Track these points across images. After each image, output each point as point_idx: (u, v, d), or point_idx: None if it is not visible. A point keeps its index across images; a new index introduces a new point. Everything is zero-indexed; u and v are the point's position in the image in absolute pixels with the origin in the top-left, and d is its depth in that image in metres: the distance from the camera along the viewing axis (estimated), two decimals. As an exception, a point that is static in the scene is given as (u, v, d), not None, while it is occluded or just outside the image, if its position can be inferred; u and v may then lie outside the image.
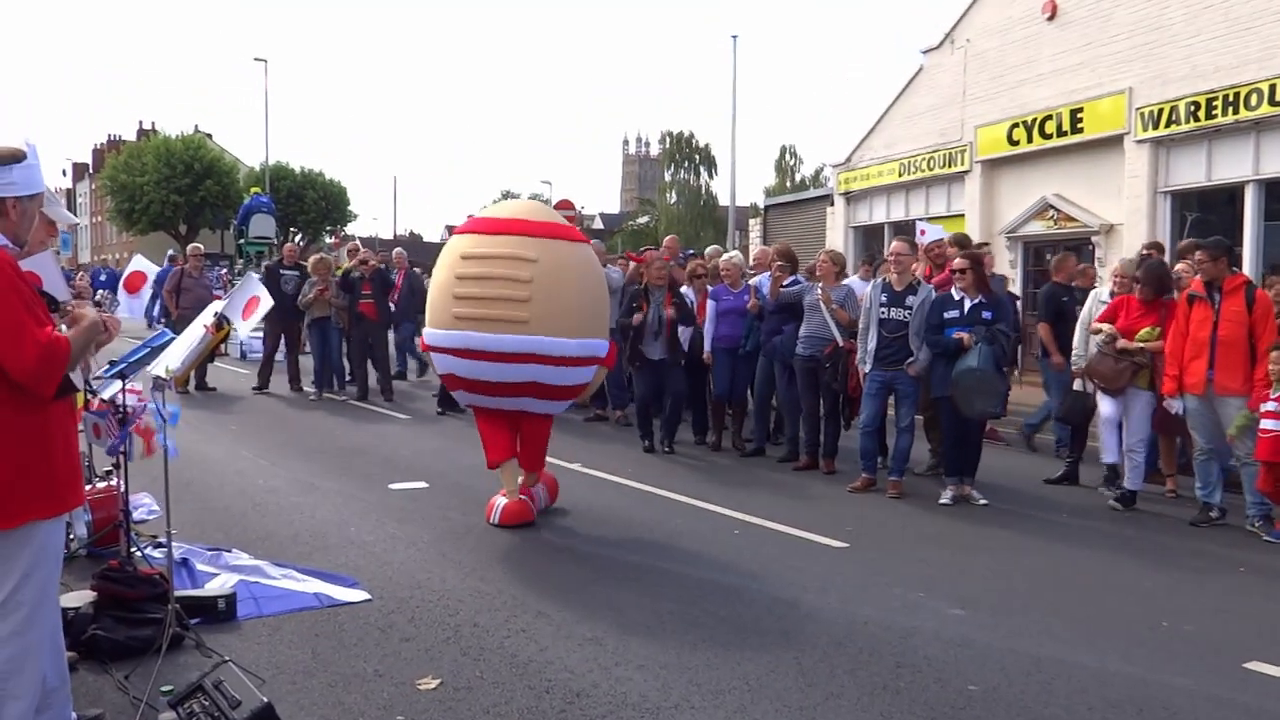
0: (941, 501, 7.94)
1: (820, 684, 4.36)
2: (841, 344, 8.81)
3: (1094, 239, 16.61)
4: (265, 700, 3.40)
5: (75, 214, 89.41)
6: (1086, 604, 5.62)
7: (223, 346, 17.44)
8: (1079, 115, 16.51)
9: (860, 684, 4.37)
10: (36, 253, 4.07)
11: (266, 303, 4.43)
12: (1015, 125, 17.84)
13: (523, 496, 7.10)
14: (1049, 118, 17.10)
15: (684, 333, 10.08)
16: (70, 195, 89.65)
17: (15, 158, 3.32)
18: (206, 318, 4.36)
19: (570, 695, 4.19)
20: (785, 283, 9.53)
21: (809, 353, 9.08)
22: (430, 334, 7.01)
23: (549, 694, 4.20)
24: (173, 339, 4.73)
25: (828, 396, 9.09)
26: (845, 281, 9.47)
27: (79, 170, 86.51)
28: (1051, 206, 17.42)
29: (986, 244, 10.77)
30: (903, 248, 8.44)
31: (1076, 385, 8.84)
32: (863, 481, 8.36)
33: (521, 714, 4.02)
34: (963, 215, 19.19)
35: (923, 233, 9.58)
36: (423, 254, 27.55)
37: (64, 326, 3.69)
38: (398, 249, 16.76)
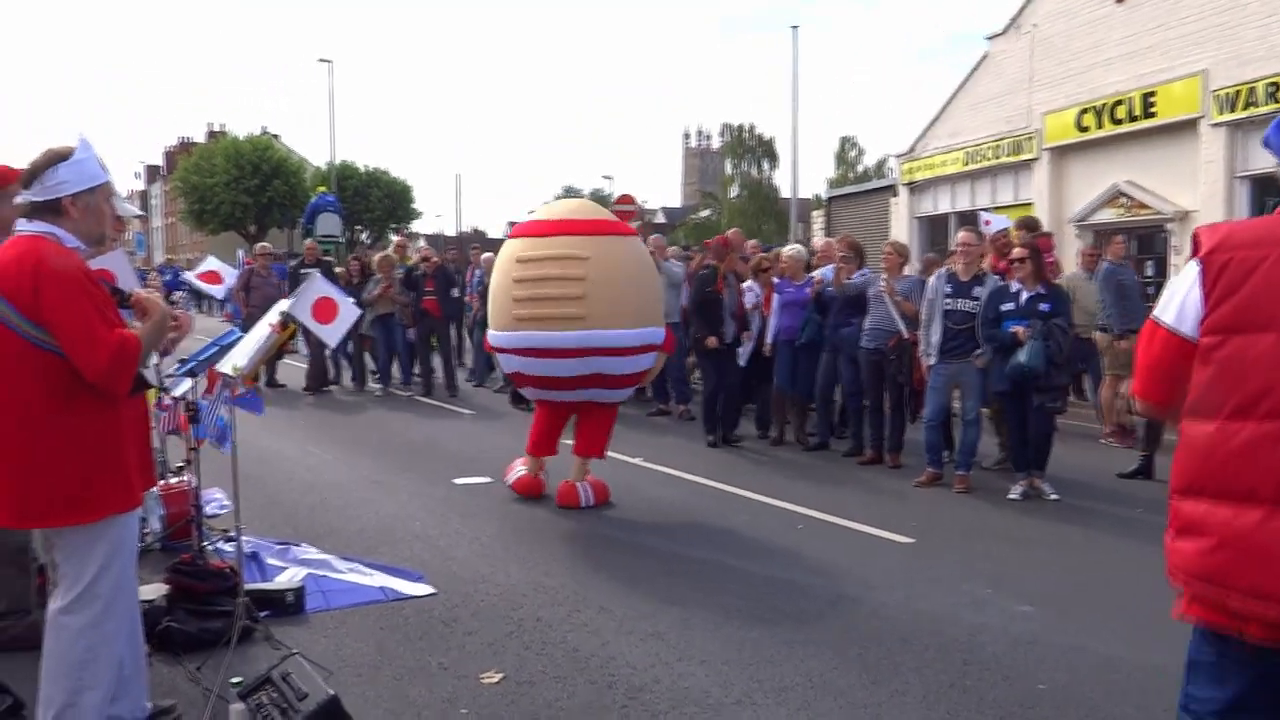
0: (1010, 496, 7.80)
1: (885, 681, 4.31)
2: (906, 336, 8.70)
3: (1168, 227, 16.19)
4: (331, 693, 3.45)
5: (149, 215, 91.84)
6: (1161, 602, 5.45)
7: (292, 343, 17.69)
8: (1151, 99, 16.10)
9: (926, 682, 4.31)
10: (107, 250, 4.18)
11: (349, 309, 4.45)
12: (1084, 111, 17.46)
13: (540, 476, 7.58)
14: (1119, 102, 16.69)
15: (743, 351, 10.05)
16: (144, 197, 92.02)
17: (62, 156, 3.39)
18: (272, 317, 4.43)
19: (632, 690, 4.20)
20: (851, 275, 9.43)
21: (873, 345, 8.99)
22: (494, 335, 7.35)
23: (610, 689, 4.21)
24: (241, 338, 4.83)
25: (892, 389, 8.99)
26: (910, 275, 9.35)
27: (152, 172, 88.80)
28: (1123, 194, 17.01)
29: (1051, 233, 10.53)
30: (970, 238, 8.30)
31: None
32: (928, 476, 8.24)
33: (583, 708, 4.03)
34: (1030, 204, 18.82)
35: (987, 223, 9.39)
36: (486, 250, 27.64)
37: (135, 323, 3.78)
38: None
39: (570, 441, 7.69)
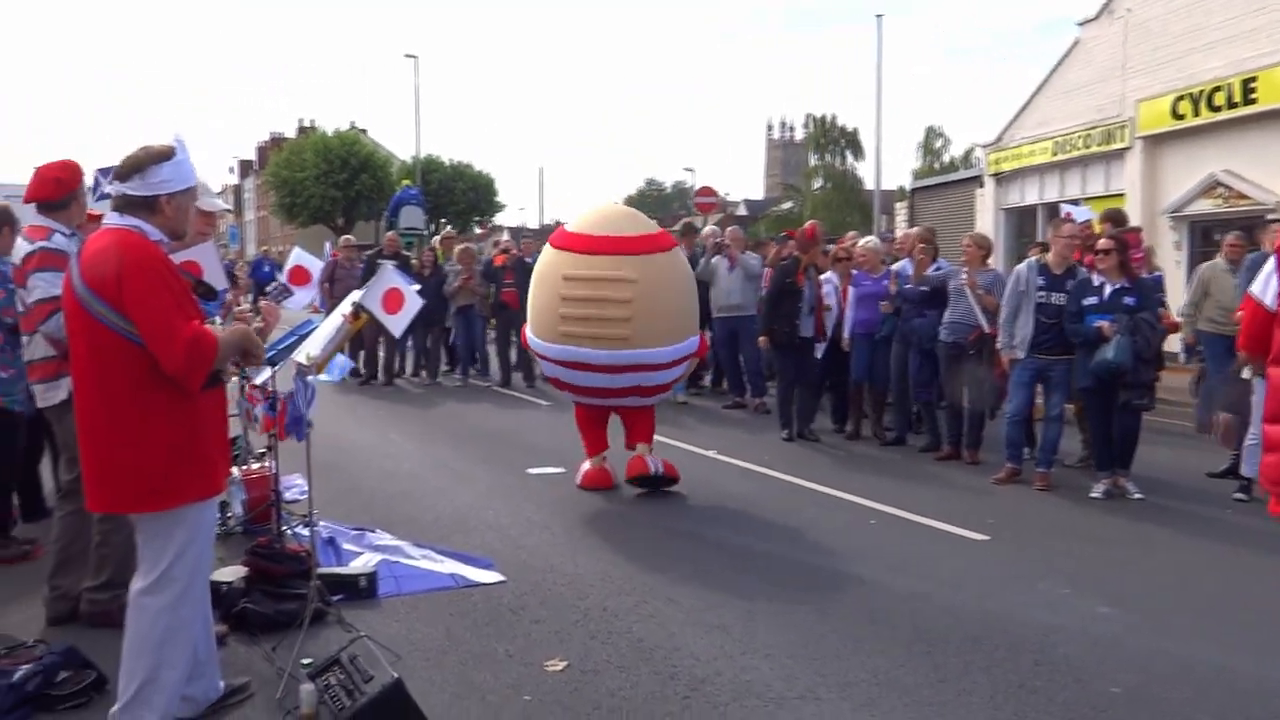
0: (1092, 495, 7.61)
1: (952, 680, 4.25)
2: (987, 330, 8.53)
3: (1269, 217, 15.58)
4: (395, 676, 3.52)
5: (242, 209, 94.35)
6: (1248, 606, 5.30)
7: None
8: (1251, 85, 15.50)
9: (995, 681, 4.24)
10: (196, 244, 4.32)
11: (414, 300, 4.54)
12: (1180, 98, 16.88)
13: (605, 466, 7.77)
14: (1218, 89, 16.10)
15: (820, 346, 9.97)
16: (237, 191, 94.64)
17: (165, 155, 3.51)
18: (345, 307, 4.53)
19: (694, 682, 4.20)
20: (929, 268, 9.29)
21: (953, 339, 8.82)
22: (536, 342, 7.51)
23: (673, 680, 4.23)
24: (316, 327, 4.95)
25: (971, 384, 8.82)
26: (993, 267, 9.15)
27: (245, 167, 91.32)
28: (1220, 184, 16.42)
29: (1140, 227, 10.18)
30: (1075, 228, 8.09)
31: (1245, 373, 8.32)
32: (1007, 472, 8.07)
33: (645, 699, 4.05)
34: (1122, 195, 18.29)
35: (1068, 216, 9.13)
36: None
37: (218, 320, 3.91)
38: None
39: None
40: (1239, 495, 7.58)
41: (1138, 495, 7.54)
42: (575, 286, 7.05)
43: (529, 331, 7.66)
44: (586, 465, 7.84)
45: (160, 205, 3.50)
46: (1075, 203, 14.16)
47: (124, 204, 3.49)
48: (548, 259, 7.46)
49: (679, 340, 7.25)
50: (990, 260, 9.22)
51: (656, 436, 8.13)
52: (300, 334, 5.08)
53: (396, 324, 4.59)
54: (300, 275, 15.30)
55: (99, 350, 3.37)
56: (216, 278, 4.04)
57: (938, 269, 9.30)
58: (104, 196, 4.52)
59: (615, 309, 6.95)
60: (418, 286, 4.89)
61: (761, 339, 10.26)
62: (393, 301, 4.50)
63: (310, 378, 4.42)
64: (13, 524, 6.05)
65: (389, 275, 4.56)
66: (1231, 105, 15.91)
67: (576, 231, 7.39)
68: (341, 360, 5.74)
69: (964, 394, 8.87)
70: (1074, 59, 19.87)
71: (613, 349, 6.99)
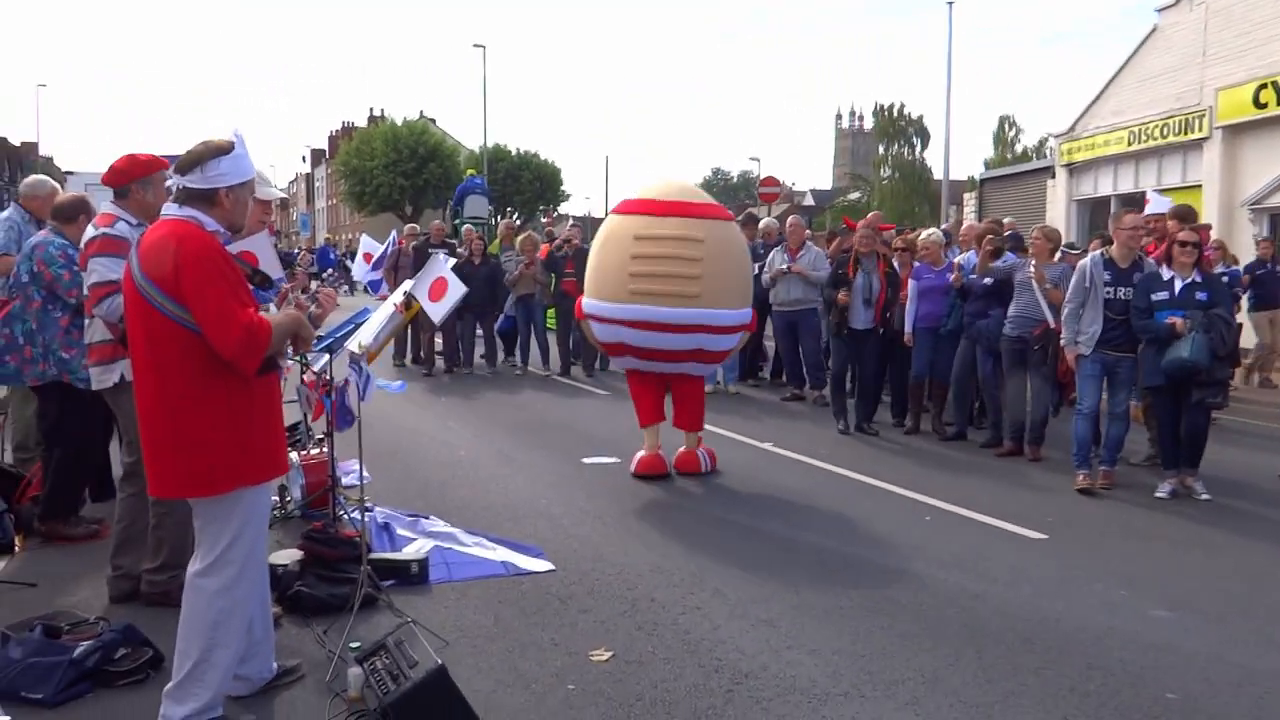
0: (1158, 495, 7.42)
1: (1000, 681, 4.19)
2: (1053, 325, 8.34)
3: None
4: (440, 663, 3.57)
5: (313, 197, 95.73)
6: (1315, 613, 5.14)
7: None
8: (1339, 73, 14.98)
9: (1045, 683, 4.17)
10: (254, 232, 4.41)
11: (457, 288, 4.59)
12: (1263, 86, 16.37)
13: (659, 452, 7.86)
14: (1302, 77, 15.59)
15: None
16: (309, 179, 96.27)
17: (223, 150, 3.59)
18: (397, 297, 4.60)
19: (739, 676, 4.20)
20: (995, 260, 9.12)
21: (1017, 333, 8.65)
22: (600, 306, 7.58)
23: (717, 673, 4.22)
24: (371, 315, 5.02)
25: (1035, 380, 8.65)
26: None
27: (316, 156, 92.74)
28: (1304, 175, 15.91)
29: (1209, 224, 9.85)
30: (1138, 219, 7.85)
31: None
32: (1086, 480, 7.61)
33: (688, 691, 4.06)
34: (1199, 186, 17.82)
35: (1147, 201, 8.88)
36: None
37: (273, 307, 3.99)
38: None
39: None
40: None
41: (1205, 496, 7.34)
42: (646, 245, 7.30)
43: (587, 297, 7.77)
44: (641, 452, 7.91)
45: (219, 198, 3.58)
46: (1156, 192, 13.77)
47: (184, 196, 3.58)
48: (614, 224, 7.73)
49: (741, 306, 7.56)
50: (1058, 254, 9.02)
51: (710, 427, 8.15)
52: (356, 322, 5.17)
53: (436, 311, 4.64)
54: (369, 261, 15.40)
55: (156, 338, 3.46)
56: (272, 267, 4.12)
57: (1004, 262, 9.13)
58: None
59: (686, 266, 7.20)
60: (452, 261, 4.94)
61: (844, 297, 9.70)
62: (437, 290, 4.55)
63: (366, 367, 4.49)
64: (82, 504, 6.24)
65: (439, 264, 4.61)
66: (1316, 94, 15.39)
67: (643, 198, 7.70)
68: (397, 383, 5.87)
69: (1028, 389, 8.71)
70: (1152, 46, 19.36)
71: (683, 307, 7.20)
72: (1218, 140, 17.54)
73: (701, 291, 7.20)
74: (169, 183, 3.71)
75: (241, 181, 3.65)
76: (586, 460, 8.44)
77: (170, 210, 3.58)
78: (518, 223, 19.19)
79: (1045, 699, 4.03)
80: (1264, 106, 16.45)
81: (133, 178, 4.78)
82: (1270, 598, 5.36)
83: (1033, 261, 8.59)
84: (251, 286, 3.64)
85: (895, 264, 10.07)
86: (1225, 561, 6.02)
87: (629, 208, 7.70)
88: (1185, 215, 8.31)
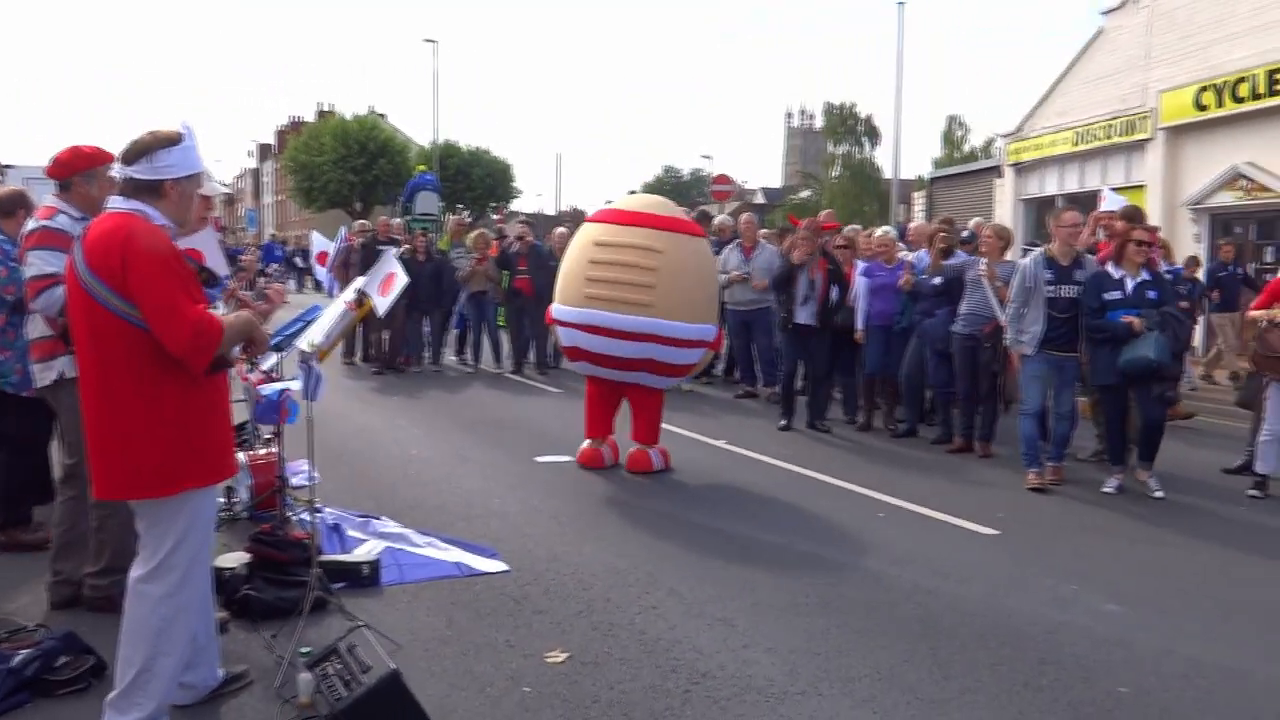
0: (1105, 490, 7.53)
1: (956, 677, 4.21)
2: (1003, 323, 8.41)
3: (1291, 211, 15.42)
4: (393, 667, 3.50)
5: (260, 193, 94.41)
6: (1261, 607, 5.24)
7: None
8: (1277, 76, 15.34)
9: (1000, 679, 4.19)
10: (198, 230, 4.30)
11: (402, 280, 4.54)
12: (1204, 89, 16.73)
13: (601, 450, 8.06)
14: (1243, 80, 15.95)
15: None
16: (256, 175, 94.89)
17: (172, 140, 3.49)
18: (349, 294, 4.51)
19: (696, 675, 4.17)
20: (946, 259, 9.19)
21: (968, 331, 8.72)
22: (560, 310, 7.80)
23: (674, 673, 4.20)
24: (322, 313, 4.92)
25: (985, 377, 8.73)
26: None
27: (264, 151, 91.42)
28: (1243, 176, 16.27)
29: (1158, 226, 9.99)
30: (1077, 217, 7.91)
31: None
32: (1037, 479, 7.62)
33: (645, 692, 4.02)
34: (1143, 186, 18.15)
35: (1102, 199, 8.99)
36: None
37: (221, 305, 3.89)
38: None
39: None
40: (1253, 492, 7.51)
41: (1159, 494, 7.40)
42: (604, 251, 7.54)
43: (554, 302, 7.95)
44: (585, 444, 8.13)
45: (165, 190, 3.48)
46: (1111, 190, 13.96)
47: (130, 188, 3.47)
48: (582, 232, 8.04)
49: (698, 322, 7.56)
50: (1009, 253, 9.12)
51: (665, 425, 8.15)
52: (307, 320, 5.07)
53: (382, 305, 4.60)
54: (324, 259, 15.23)
55: (101, 335, 3.35)
56: (218, 264, 4.03)
57: (956, 260, 9.20)
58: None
59: (639, 274, 7.36)
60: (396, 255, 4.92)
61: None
62: (387, 285, 4.50)
63: (316, 366, 4.40)
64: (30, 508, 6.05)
65: (389, 260, 4.55)
66: (1256, 96, 15.75)
67: (616, 208, 8.11)
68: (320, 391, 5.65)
69: (978, 387, 8.80)
70: (1098, 48, 19.68)
71: (633, 314, 7.33)
72: (1160, 141, 17.88)
73: (655, 301, 7.32)
74: (113, 172, 3.61)
75: (189, 174, 3.55)
76: (540, 459, 8.37)
77: (116, 203, 3.48)
78: (468, 219, 18.90)
79: (1000, 694, 4.06)
80: (1205, 108, 16.80)
81: (76, 170, 4.64)
82: (1216, 591, 5.45)
83: (984, 260, 8.66)
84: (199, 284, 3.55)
85: (837, 261, 10.07)
86: (1172, 556, 6.12)
87: (599, 217, 8.02)
88: (1133, 215, 8.44)
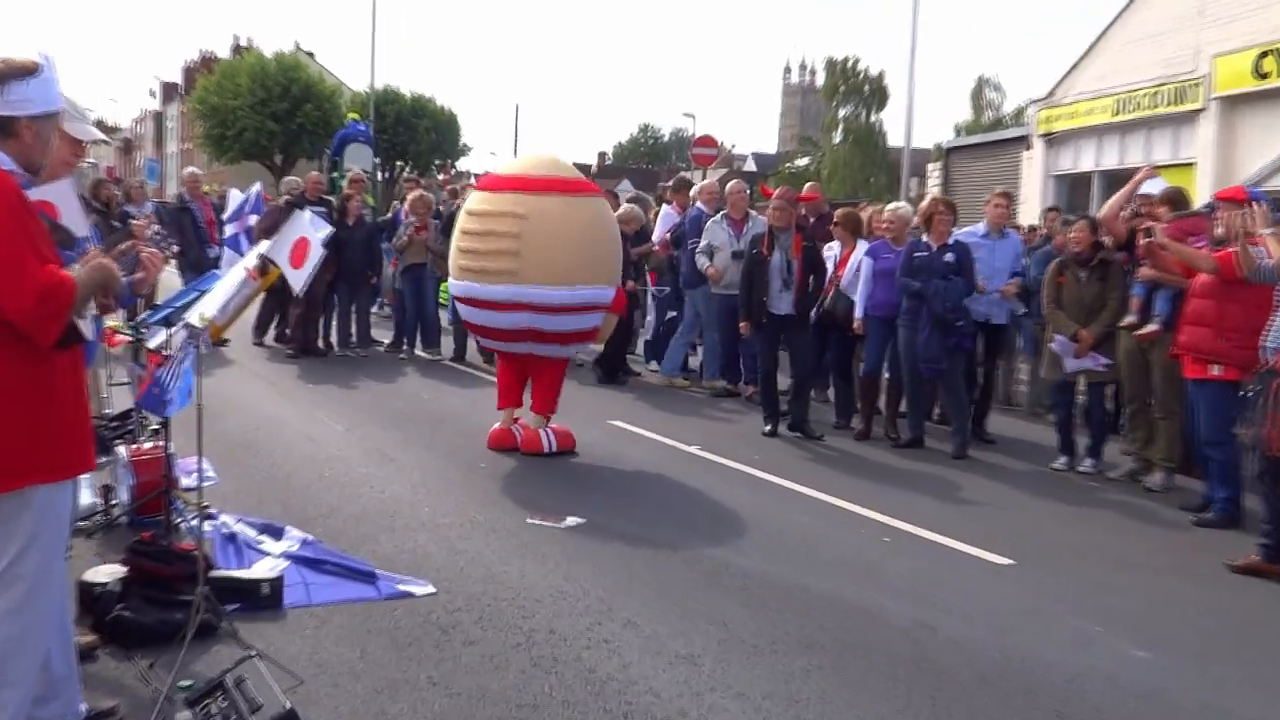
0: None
1: (957, 731, 4.18)
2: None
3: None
4: (288, 707, 3.44)
5: (164, 140, 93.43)
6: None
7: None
8: (1349, 42, 15.44)
9: (1008, 735, 4.18)
10: (58, 176, 4.17)
11: (318, 250, 4.45)
12: (1265, 54, 16.78)
13: (513, 427, 8.69)
14: (1310, 44, 16.03)
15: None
16: (159, 119, 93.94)
17: (28, 70, 3.39)
18: (250, 260, 4.41)
19: (651, 723, 4.13)
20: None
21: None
22: (450, 284, 8.84)
23: (627, 719, 4.15)
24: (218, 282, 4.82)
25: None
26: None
27: (168, 90, 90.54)
28: (1309, 155, 16.38)
29: (1206, 213, 10.02)
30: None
31: None
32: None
33: (591, 742, 3.97)
34: (1192, 164, 18.24)
35: (1149, 171, 9.00)
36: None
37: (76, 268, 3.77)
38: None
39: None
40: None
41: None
42: (471, 220, 8.38)
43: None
44: (497, 424, 8.78)
45: (18, 128, 3.38)
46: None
47: None
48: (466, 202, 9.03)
49: (576, 285, 8.12)
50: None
51: (626, 425, 8.14)
52: (201, 289, 4.97)
53: (298, 278, 4.49)
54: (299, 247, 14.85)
55: None
56: (76, 221, 3.89)
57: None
58: None
59: (499, 241, 8.07)
60: (327, 231, 4.80)
61: (742, 324, 10.09)
62: (299, 254, 4.39)
63: (205, 344, 4.31)
64: None
65: (301, 223, 4.45)
66: (1324, 64, 15.85)
67: (492, 173, 9.01)
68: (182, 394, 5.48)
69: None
70: (1142, 3, 19.75)
71: (499, 284, 8.06)
72: (1214, 112, 17.96)
73: (519, 268, 7.99)
74: None
75: (47, 111, 3.47)
76: (483, 463, 8.31)
77: None
78: (414, 177, 18.69)
79: (1007, 753, 4.04)
80: (1265, 76, 16.89)
81: None
82: (1266, 637, 5.48)
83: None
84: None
85: (814, 240, 10.06)
86: (1215, 594, 6.13)
87: (478, 184, 8.96)
88: (1176, 199, 8.45)
